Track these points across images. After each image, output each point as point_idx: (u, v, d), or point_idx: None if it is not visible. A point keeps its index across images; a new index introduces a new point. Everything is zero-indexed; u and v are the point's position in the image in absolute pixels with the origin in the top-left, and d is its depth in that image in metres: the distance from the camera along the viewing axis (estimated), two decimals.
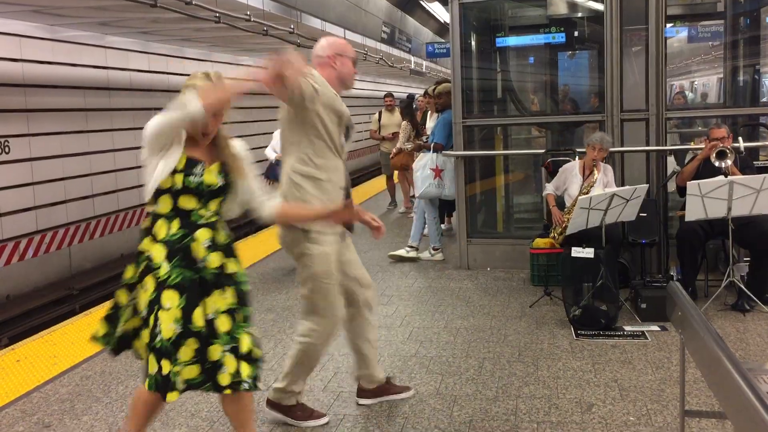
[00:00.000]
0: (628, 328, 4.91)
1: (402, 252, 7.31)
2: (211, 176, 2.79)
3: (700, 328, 2.36)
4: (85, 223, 10.33)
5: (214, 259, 2.77)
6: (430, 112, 8.35)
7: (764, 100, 8.35)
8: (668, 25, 6.93)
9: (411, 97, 10.20)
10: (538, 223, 6.78)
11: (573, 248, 5.07)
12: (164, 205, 2.76)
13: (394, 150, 9.55)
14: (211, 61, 13.92)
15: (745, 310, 5.10)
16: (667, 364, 4.24)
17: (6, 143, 8.77)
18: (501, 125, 7.59)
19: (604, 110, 6.25)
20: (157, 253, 2.71)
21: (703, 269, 5.50)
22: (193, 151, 2.78)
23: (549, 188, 5.85)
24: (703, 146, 5.54)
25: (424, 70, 25.48)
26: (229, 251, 2.85)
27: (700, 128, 8.89)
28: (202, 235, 2.76)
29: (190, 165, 2.74)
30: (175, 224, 2.74)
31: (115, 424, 3.71)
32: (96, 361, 4.64)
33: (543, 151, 6.72)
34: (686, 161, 5.93)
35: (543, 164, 6.47)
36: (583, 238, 5.16)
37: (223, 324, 2.72)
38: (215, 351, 2.69)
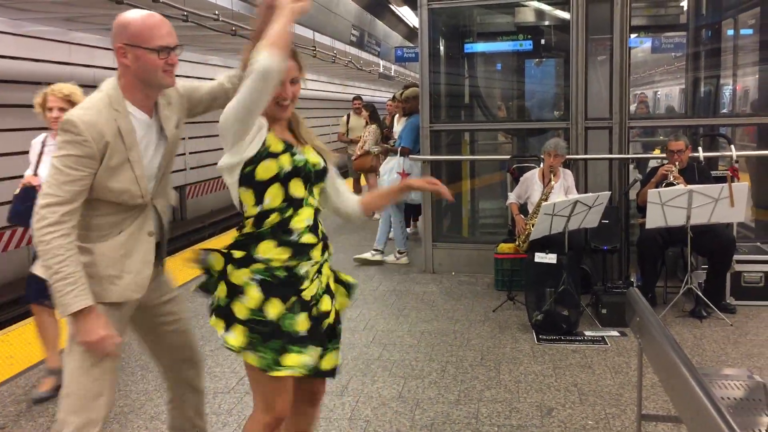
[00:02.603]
0: (588, 333, 4.98)
1: (367, 255, 7.32)
2: (312, 156, 2.39)
3: (657, 334, 2.41)
4: None
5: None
6: (397, 116, 8.37)
7: (724, 111, 8.53)
8: (632, 36, 7.07)
9: (371, 105, 10.30)
10: (503, 229, 6.84)
11: (536, 254, 5.13)
12: (275, 197, 2.28)
13: (358, 152, 9.56)
14: (179, 60, 13.77)
15: (702, 317, 5.21)
16: (626, 369, 4.32)
17: None
18: (468, 130, 7.65)
19: (569, 118, 6.34)
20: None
21: (663, 276, 5.61)
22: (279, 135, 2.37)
23: (512, 197, 5.91)
24: (664, 155, 5.65)
25: (392, 74, 25.55)
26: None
27: (662, 137, 9.06)
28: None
29: (288, 146, 2.33)
30: (305, 213, 2.33)
31: None
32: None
33: (509, 157, 6.79)
34: (648, 171, 6.03)
35: (508, 170, 6.54)
36: (546, 243, 5.22)
37: None
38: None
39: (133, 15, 2.35)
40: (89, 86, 9.76)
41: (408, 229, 8.24)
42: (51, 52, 10.11)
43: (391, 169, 7.21)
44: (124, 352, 4.74)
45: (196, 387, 2.79)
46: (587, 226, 5.36)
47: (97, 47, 11.19)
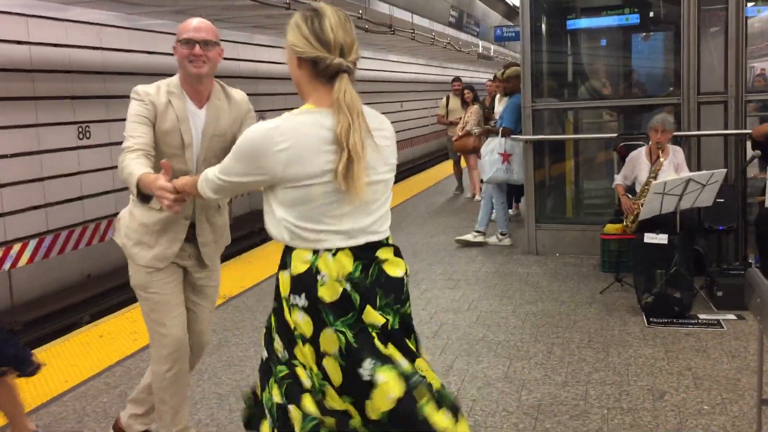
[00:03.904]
0: (702, 316, 4.79)
1: (469, 237, 7.30)
2: None
3: None
4: None
5: None
6: (498, 96, 8.27)
7: None
8: (749, 4, 6.67)
9: (470, 87, 10.27)
10: (609, 209, 6.66)
11: (646, 234, 4.97)
12: None
13: (459, 132, 9.48)
14: (280, 47, 14.11)
15: None
16: (744, 353, 4.13)
17: (87, 128, 9.13)
18: (571, 109, 7.46)
19: (680, 93, 6.08)
20: None
21: None
22: None
23: (618, 179, 5.72)
24: None
25: (492, 54, 25.17)
26: None
27: None
28: None
29: None
30: None
31: (191, 398, 3.85)
32: None
33: (615, 135, 6.59)
34: None
35: (615, 149, 6.35)
36: (657, 223, 5.05)
37: None
38: None
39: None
40: None
41: (510, 211, 8.15)
42: (162, 44, 10.58)
43: (492, 150, 7.14)
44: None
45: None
46: (701, 205, 5.13)
47: None
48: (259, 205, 2.51)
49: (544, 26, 7.28)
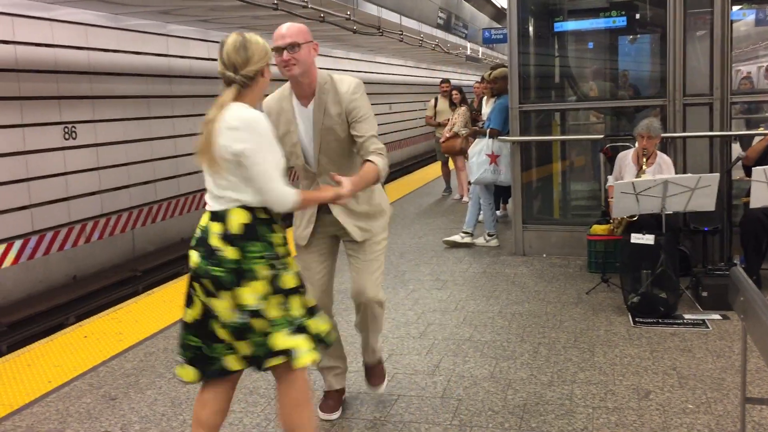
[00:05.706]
0: (688, 316, 4.82)
1: (456, 238, 7.31)
2: None
3: (764, 314, 2.31)
4: (148, 207, 10.60)
5: None
6: (485, 97, 8.28)
7: None
8: (734, 8, 6.71)
9: (459, 88, 10.27)
10: (596, 210, 6.69)
11: (633, 234, 4.98)
12: None
13: (446, 134, 9.48)
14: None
15: None
16: (728, 352, 4.16)
17: (73, 129, 9.07)
18: (558, 110, 7.49)
19: (666, 95, 6.12)
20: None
21: None
22: None
23: (611, 180, 5.73)
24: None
25: (480, 56, 25.23)
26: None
27: (767, 114, 8.61)
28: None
29: None
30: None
31: (177, 398, 3.83)
32: (159, 339, 4.80)
33: (601, 137, 6.62)
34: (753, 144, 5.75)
35: (601, 150, 6.38)
36: (642, 224, 5.07)
37: None
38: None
39: None
40: (185, 77, 10.16)
41: (497, 212, 8.16)
42: (149, 45, 10.53)
43: (479, 151, 7.15)
44: None
45: (357, 324, 3.47)
46: (702, 209, 5.01)
47: (192, 38, 11.57)
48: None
49: (531, 28, 7.31)
